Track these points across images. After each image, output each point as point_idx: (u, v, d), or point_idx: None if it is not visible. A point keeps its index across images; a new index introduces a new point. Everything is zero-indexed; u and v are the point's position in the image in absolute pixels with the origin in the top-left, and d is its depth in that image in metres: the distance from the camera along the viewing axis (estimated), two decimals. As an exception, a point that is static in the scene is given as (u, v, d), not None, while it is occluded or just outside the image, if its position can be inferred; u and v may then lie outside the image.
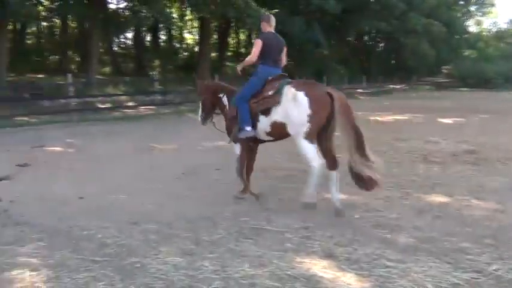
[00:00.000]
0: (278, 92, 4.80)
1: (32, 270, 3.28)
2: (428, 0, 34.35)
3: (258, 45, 5.15)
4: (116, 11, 20.87)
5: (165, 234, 4.08)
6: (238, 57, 39.48)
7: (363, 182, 4.65)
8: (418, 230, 4.18)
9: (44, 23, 32.11)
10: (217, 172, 6.58)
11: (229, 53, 38.82)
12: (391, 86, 34.76)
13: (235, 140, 5.21)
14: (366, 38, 43.76)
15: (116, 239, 3.95)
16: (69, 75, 13.41)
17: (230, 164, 6.97)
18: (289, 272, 3.25)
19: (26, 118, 12.98)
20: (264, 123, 4.94)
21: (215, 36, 37.38)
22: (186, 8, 26.99)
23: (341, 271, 3.28)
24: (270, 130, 4.97)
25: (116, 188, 5.72)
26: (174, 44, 39.13)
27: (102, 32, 21.31)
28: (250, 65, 5.48)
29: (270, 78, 5.05)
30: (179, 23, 39.22)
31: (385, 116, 14.88)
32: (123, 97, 18.26)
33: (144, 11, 17.47)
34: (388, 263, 3.40)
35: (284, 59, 5.42)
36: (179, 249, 3.71)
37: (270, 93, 4.87)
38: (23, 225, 4.32)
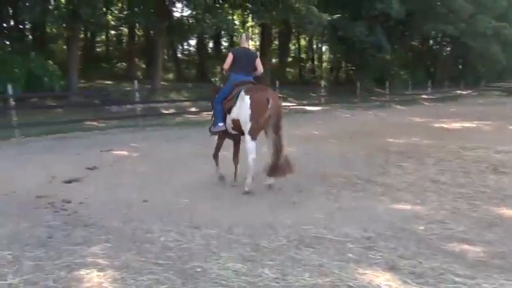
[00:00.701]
0: (236, 95, 5.85)
1: (99, 271, 3.40)
2: (499, 2, 32.69)
3: (228, 57, 6.28)
4: (180, 19, 21.42)
5: (226, 240, 4.11)
6: (299, 62, 39.48)
7: (278, 170, 5.62)
8: (488, 244, 3.96)
9: (113, 32, 33.61)
10: (278, 179, 6.56)
11: (289, 59, 38.82)
12: (458, 91, 33.35)
13: (212, 133, 6.49)
14: (431, 42, 42.42)
15: (178, 243, 4.03)
16: (136, 82, 13.86)
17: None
18: (350, 283, 3.17)
19: (95, 123, 13.56)
20: (229, 120, 6.02)
21: (276, 42, 37.53)
22: (247, 14, 27.26)
23: (405, 285, 3.17)
24: (232, 125, 6.02)
25: (178, 192, 5.84)
26: (235, 50, 39.67)
27: (166, 39, 21.94)
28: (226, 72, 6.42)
29: (237, 83, 6.01)
30: (241, 30, 39.83)
31: (451, 123, 14.31)
32: (186, 103, 18.68)
33: (207, 19, 17.83)
34: (456, 279, 3.24)
35: (259, 68, 6.31)
36: (239, 255, 3.73)
37: (232, 95, 5.93)
38: (91, 227, 4.50)
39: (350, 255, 3.74)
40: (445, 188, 5.93)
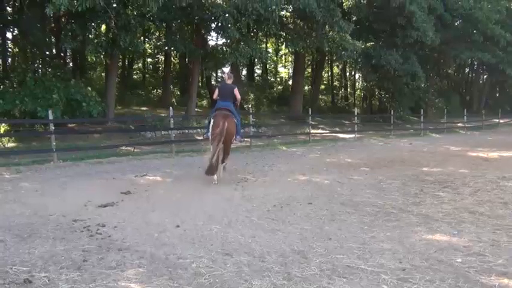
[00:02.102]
0: (210, 116, 9.03)
1: (131, 295, 3.43)
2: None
3: (215, 90, 9.27)
4: (215, 47, 21.84)
5: (257, 267, 4.09)
6: (332, 90, 39.50)
7: (212, 168, 8.12)
8: (529, 279, 3.81)
9: (149, 59, 34.53)
10: (309, 206, 6.52)
11: (322, 86, 38.88)
12: (495, 120, 32.60)
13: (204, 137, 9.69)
14: (467, 69, 41.83)
15: (209, 269, 4.03)
16: (170, 108, 14.14)
17: (322, 198, 6.95)
18: (384, 316, 3.10)
19: (130, 148, 13.84)
20: (209, 132, 8.76)
21: (309, 70, 37.71)
22: (281, 42, 27.58)
23: (442, 319, 3.07)
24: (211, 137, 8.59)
25: (210, 218, 5.87)
26: (269, 77, 40.00)
27: (201, 67, 22.36)
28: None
29: (218, 107, 8.79)
30: (274, 58, 40.24)
31: (488, 152, 13.95)
32: (219, 129, 18.88)
33: (241, 48, 18.10)
34: (496, 314, 3.12)
35: (237, 97, 8.99)
36: (271, 283, 3.70)
37: (211, 116, 8.98)
38: (125, 251, 4.55)
39: (384, 286, 3.66)
40: (483, 219, 5.75)
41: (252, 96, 32.09)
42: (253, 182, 8.46)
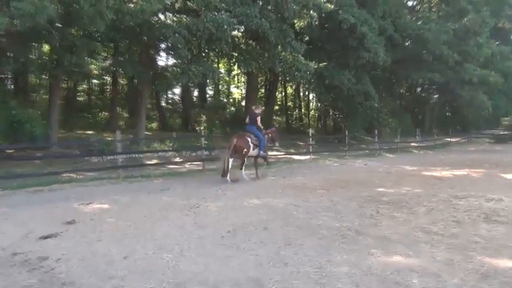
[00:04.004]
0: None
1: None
2: (483, 50, 33.88)
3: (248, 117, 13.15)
4: (165, 68, 21.74)
5: (211, 297, 4.03)
6: (286, 110, 40.04)
7: (223, 172, 12.03)
8: (484, 297, 3.94)
9: (95, 81, 33.91)
10: (265, 231, 6.52)
11: (276, 107, 39.36)
12: (447, 139, 33.97)
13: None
14: (418, 89, 43.45)
15: (160, 302, 3.94)
16: (118, 132, 13.89)
17: (278, 222, 6.96)
18: None
19: (74, 174, 13.45)
20: None
21: (262, 90, 38.15)
22: (233, 63, 27.83)
23: None
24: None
25: (161, 247, 5.76)
26: (221, 98, 40.16)
27: (151, 88, 22.18)
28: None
29: (246, 129, 12.84)
30: (226, 78, 40.51)
31: (441, 171, 14.47)
32: (170, 153, 18.68)
33: (192, 68, 18.09)
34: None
35: (257, 123, 12.75)
36: (225, 313, 3.65)
37: None
38: (69, 285, 4.39)
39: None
40: (438, 239, 5.94)
41: (203, 118, 32.08)
42: (206, 207, 8.38)
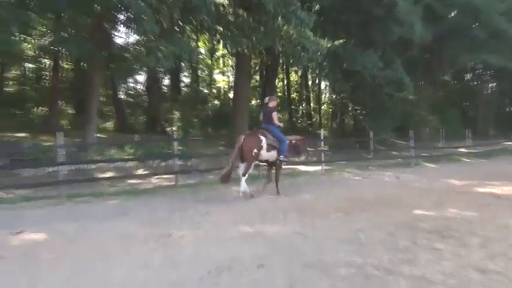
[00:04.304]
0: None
1: None
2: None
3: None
4: (124, 47, 21.67)
5: None
6: (290, 105, 40.11)
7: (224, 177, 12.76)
8: None
9: (30, 65, 33.71)
10: (260, 270, 6.48)
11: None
12: (507, 142, 34.04)
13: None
14: (468, 76, 43.59)
15: None
16: (60, 134, 13.82)
17: (278, 258, 6.92)
18: None
19: (0, 193, 13.36)
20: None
21: (257, 78, 38.18)
22: (217, 41, 27.82)
23: None
24: None
25: (118, 292, 5.71)
26: (201, 88, 40.15)
27: (104, 75, 22.10)
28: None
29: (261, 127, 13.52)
30: (208, 61, 40.54)
31: (501, 187, 14.48)
32: (131, 163, 18.63)
33: (162, 47, 17.99)
34: None
35: (273, 120, 13.29)
36: None
37: None
38: None
39: None
40: (497, 279, 5.91)
41: (177, 115, 32.04)
42: (180, 238, 8.33)
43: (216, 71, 42.79)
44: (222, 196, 13.50)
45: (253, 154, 12.72)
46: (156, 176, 16.79)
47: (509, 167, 22.44)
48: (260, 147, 12.84)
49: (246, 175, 12.81)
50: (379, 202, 11.94)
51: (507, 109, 45.31)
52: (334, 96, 36.91)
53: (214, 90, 41.25)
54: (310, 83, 42.94)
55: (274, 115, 13.29)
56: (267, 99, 13.95)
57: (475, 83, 43.24)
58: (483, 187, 14.66)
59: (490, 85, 42.80)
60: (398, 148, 27.77)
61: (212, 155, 21.77)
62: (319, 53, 21.72)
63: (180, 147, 18.01)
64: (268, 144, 12.98)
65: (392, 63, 26.88)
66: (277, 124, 13.37)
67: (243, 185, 12.74)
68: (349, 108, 34.33)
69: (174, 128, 26.71)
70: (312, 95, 42.85)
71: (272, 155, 13.26)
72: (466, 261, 6.71)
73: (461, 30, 31.25)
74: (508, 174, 18.42)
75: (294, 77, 42.45)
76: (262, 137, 12.91)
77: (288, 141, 13.62)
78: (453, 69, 39.62)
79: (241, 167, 12.81)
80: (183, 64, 34.27)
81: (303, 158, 15.44)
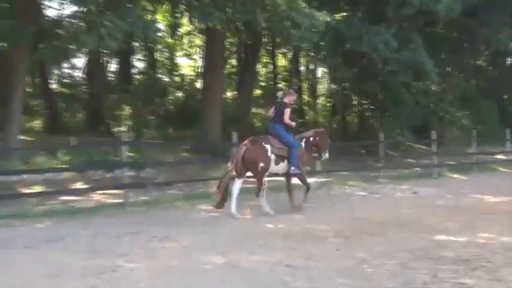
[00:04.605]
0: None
1: None
2: None
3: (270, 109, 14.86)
4: (57, 21, 21.53)
5: None
6: (276, 98, 39.93)
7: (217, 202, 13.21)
8: None
9: None
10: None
11: (258, 92, 39.41)
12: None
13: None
14: (508, 61, 43.86)
15: None
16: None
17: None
18: None
19: None
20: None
21: (233, 62, 38.18)
22: (180, 13, 27.77)
23: None
24: None
25: None
26: (160, 75, 40.04)
27: (31, 58, 21.95)
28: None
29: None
30: (169, 40, 40.41)
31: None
32: (66, 174, 18.56)
33: (107, 21, 17.85)
34: None
35: (283, 118, 13.59)
36: None
37: None
38: None
39: None
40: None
41: (127, 111, 31.96)
42: (130, 272, 8.35)
43: (180, 53, 42.69)
44: (186, 216, 13.56)
45: (260, 169, 13.19)
46: (99, 192, 16.76)
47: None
48: (267, 160, 13.25)
49: (263, 194, 13.51)
50: (390, 224, 12.03)
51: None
52: (334, 87, 37.01)
53: (177, 79, 41.06)
54: (302, 69, 43.05)
55: (287, 112, 13.60)
56: (280, 92, 14.79)
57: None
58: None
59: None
60: (416, 154, 27.94)
61: (173, 164, 21.76)
62: (314, 30, 21.74)
63: (131, 154, 17.99)
64: (276, 156, 13.40)
65: (409, 43, 26.91)
66: (288, 123, 13.73)
67: (266, 207, 13.53)
68: (354, 103, 34.47)
69: (123, 128, 26.69)
70: (305, 84, 42.93)
71: (282, 167, 13.76)
72: (501, 301, 6.80)
73: (497, 3, 31.39)
74: (559, 189, 18.62)
75: (281, 61, 42.54)
76: (267, 146, 13.23)
77: (304, 140, 14.40)
78: (489, 52, 39.78)
79: (237, 184, 13.36)
80: (135, 44, 34.17)
81: (326, 156, 15.21)
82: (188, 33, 39.82)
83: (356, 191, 18.60)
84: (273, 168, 13.48)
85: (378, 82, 28.13)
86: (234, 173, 13.29)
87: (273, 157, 13.28)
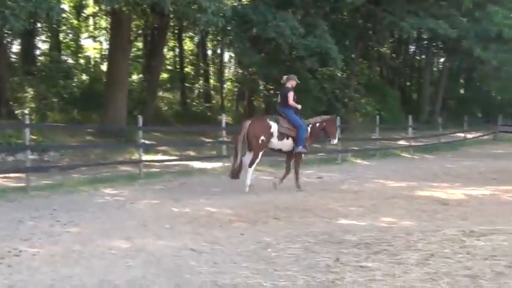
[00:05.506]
0: None
1: None
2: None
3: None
4: None
5: None
6: (183, 82, 39.77)
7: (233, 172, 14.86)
8: None
9: None
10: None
11: (165, 75, 39.16)
12: (460, 134, 35.12)
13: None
14: (411, 48, 44.70)
15: None
16: None
17: (163, 283, 6.92)
18: None
19: None
20: None
21: (139, 45, 37.81)
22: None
23: None
24: None
25: None
26: (64, 57, 39.36)
27: None
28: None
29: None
30: (74, 22, 39.74)
31: (448, 190, 15.02)
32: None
33: (10, 1, 17.43)
34: None
35: (289, 101, 14.85)
36: None
37: None
38: None
39: None
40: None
41: (30, 93, 31.30)
42: (32, 257, 8.19)
43: (85, 35, 42.03)
44: (90, 201, 13.38)
45: (260, 142, 14.49)
46: (1, 175, 16.42)
47: (459, 164, 23.22)
48: (269, 134, 14.56)
49: (253, 166, 14.96)
50: (294, 209, 12.14)
51: (460, 91, 46.62)
52: (240, 72, 37.04)
53: (82, 61, 40.44)
54: (209, 53, 42.94)
55: (290, 95, 14.90)
56: (284, 78, 15.67)
57: (420, 57, 44.29)
58: (427, 190, 15.16)
59: (439, 60, 43.92)
60: (321, 140, 28.22)
61: (78, 147, 21.47)
62: (221, 15, 21.70)
63: (34, 137, 17.66)
64: (280, 132, 14.68)
65: (315, 29, 27.13)
66: (293, 105, 15.02)
67: (249, 177, 14.84)
68: (260, 88, 34.54)
69: (25, 111, 26.08)
70: (211, 69, 42.86)
71: (285, 144, 15.02)
72: (401, 283, 6.90)
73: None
74: (458, 175, 19.11)
75: (188, 45, 42.34)
76: (271, 123, 14.65)
77: (311, 126, 15.65)
78: (393, 39, 40.47)
79: (248, 156, 14.75)
80: (39, 25, 33.46)
81: (335, 141, 17.00)
82: (94, 15, 39.19)
83: (261, 175, 18.67)
84: (276, 143, 14.80)
85: (284, 67, 28.26)
86: (243, 149, 14.67)
87: (276, 133, 14.60)
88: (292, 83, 15.32)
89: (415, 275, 7.17)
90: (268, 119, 14.88)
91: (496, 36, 33.46)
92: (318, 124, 15.79)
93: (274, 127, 14.53)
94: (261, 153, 14.76)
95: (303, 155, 15.80)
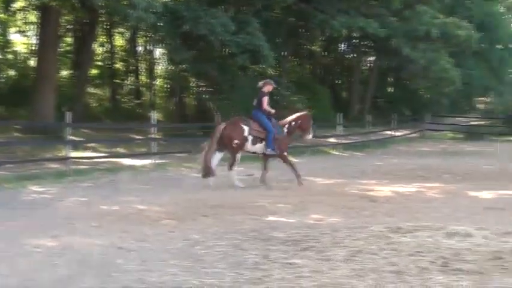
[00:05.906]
0: None
1: None
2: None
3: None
4: None
5: None
6: (113, 78, 39.49)
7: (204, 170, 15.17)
8: None
9: None
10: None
11: (94, 71, 38.77)
12: (388, 132, 35.58)
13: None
14: (342, 47, 45.08)
15: None
16: None
17: (89, 281, 6.85)
18: None
19: None
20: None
21: (69, 40, 37.34)
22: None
23: None
24: None
25: None
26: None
27: None
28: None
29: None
30: (2, 16, 39.05)
31: (376, 188, 15.21)
32: None
33: None
34: None
35: (262, 105, 15.59)
36: None
37: None
38: None
39: None
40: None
41: None
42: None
43: (13, 29, 41.32)
44: (17, 198, 13.21)
45: (234, 145, 15.11)
46: None
47: (387, 162, 23.56)
48: (243, 138, 15.20)
49: (234, 168, 15.60)
50: (224, 206, 12.17)
51: (389, 89, 47.22)
52: (171, 68, 36.88)
53: (10, 56, 39.75)
54: (140, 49, 42.64)
55: (265, 100, 15.65)
56: (261, 83, 16.37)
57: (350, 55, 44.72)
58: (355, 187, 15.36)
59: (368, 58, 44.41)
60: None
61: (4, 143, 21.14)
62: (152, 11, 21.59)
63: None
64: (253, 137, 15.34)
65: (247, 27, 27.17)
66: (267, 110, 15.72)
67: (235, 178, 15.61)
68: (191, 85, 34.44)
69: None
70: (142, 65, 42.56)
71: (260, 147, 15.62)
72: (328, 279, 6.95)
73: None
74: (386, 172, 19.39)
75: (119, 41, 41.93)
76: (244, 126, 15.22)
77: (287, 126, 16.30)
78: (323, 37, 40.75)
79: (216, 157, 15.54)
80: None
81: (310, 137, 17.40)
82: (22, 9, 38.53)
83: (191, 173, 18.65)
84: (251, 148, 15.46)
85: (215, 64, 28.28)
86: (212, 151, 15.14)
87: (250, 138, 15.23)
88: (268, 87, 15.97)
89: (342, 272, 7.24)
90: (241, 123, 15.33)
91: (425, 36, 34.02)
92: (293, 123, 16.25)
93: (247, 131, 15.16)
94: (238, 155, 15.35)
95: (285, 152, 16.23)
